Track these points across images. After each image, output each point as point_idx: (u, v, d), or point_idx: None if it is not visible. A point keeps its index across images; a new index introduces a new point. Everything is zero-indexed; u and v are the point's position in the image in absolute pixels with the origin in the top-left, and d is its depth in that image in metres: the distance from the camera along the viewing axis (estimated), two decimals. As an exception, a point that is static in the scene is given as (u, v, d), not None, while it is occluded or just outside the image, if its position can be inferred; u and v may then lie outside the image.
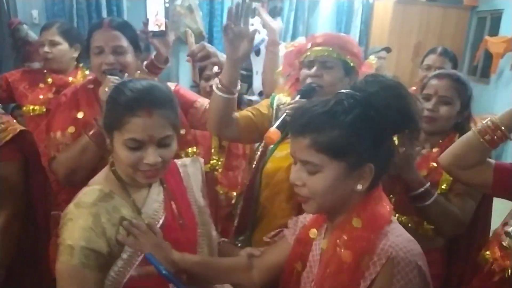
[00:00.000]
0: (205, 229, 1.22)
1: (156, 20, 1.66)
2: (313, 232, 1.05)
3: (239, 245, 1.55)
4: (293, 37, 5.07)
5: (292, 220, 1.18)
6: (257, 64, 2.48)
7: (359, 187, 0.92)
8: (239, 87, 1.45)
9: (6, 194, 1.41)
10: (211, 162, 2.16)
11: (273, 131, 1.32)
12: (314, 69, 1.42)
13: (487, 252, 1.33)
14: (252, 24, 3.53)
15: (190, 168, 1.27)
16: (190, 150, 1.72)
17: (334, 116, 0.90)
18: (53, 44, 2.22)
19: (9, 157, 1.42)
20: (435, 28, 5.48)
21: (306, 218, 1.14)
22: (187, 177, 1.25)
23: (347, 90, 0.96)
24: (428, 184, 1.38)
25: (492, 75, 5.21)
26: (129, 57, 1.54)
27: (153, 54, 1.83)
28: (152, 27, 1.67)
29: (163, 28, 1.68)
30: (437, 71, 1.76)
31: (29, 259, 1.56)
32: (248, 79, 2.55)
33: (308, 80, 1.43)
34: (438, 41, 5.28)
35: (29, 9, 3.83)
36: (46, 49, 2.21)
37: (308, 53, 1.45)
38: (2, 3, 3.69)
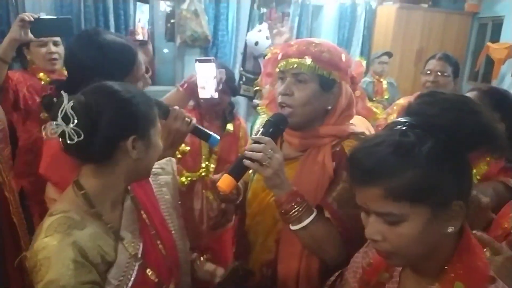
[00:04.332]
0: (182, 244, 1.17)
1: (141, 29, 1.70)
2: (384, 276, 0.90)
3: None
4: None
5: (354, 257, 1.03)
6: (266, 69, 2.49)
7: (450, 229, 0.77)
8: None
9: None
10: (201, 170, 2.13)
11: (225, 179, 1.11)
12: (283, 86, 1.23)
13: None
14: (260, 31, 3.58)
15: (163, 176, 1.22)
16: (181, 149, 1.71)
17: (406, 153, 0.74)
18: (56, 44, 2.25)
19: None
20: (437, 34, 5.53)
21: (369, 253, 0.98)
22: (159, 188, 1.19)
23: (404, 118, 0.81)
24: None
25: (494, 80, 5.26)
26: None
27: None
28: (138, 35, 1.70)
29: (145, 37, 1.72)
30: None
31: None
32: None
33: (279, 100, 1.25)
34: (440, 46, 5.33)
35: (37, 11, 3.85)
36: (53, 49, 2.22)
37: (280, 64, 1.25)
38: (11, 4, 3.74)
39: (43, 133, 0.91)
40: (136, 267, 1.01)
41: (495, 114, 1.48)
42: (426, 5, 5.54)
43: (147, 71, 1.83)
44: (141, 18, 1.71)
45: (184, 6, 4.35)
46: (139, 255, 1.03)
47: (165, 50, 5.01)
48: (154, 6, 4.97)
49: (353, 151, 0.83)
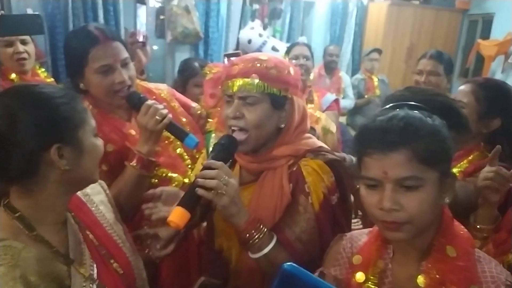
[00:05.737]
0: (134, 260, 1.09)
1: (140, 31, 1.70)
2: (380, 264, 0.91)
3: None
4: (289, 38, 5.09)
5: (335, 254, 1.01)
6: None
7: (447, 200, 0.85)
8: None
9: None
10: None
11: (176, 212, 1.00)
12: (232, 108, 1.13)
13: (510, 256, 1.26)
14: (253, 28, 3.55)
15: (95, 196, 1.11)
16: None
17: (420, 123, 0.82)
18: (25, 43, 2.08)
19: None
20: (428, 30, 5.56)
21: (350, 247, 0.99)
22: (95, 206, 1.09)
23: (396, 104, 0.89)
24: None
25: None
26: (133, 67, 1.41)
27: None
28: (140, 36, 1.71)
29: (144, 38, 1.72)
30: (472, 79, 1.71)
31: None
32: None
33: (229, 123, 1.16)
34: (430, 43, 5.36)
35: (23, 7, 3.76)
36: (21, 48, 2.05)
37: (225, 86, 1.16)
38: (-4, 0, 3.64)
39: None
40: None
41: (491, 108, 1.46)
42: (417, 2, 5.57)
43: (141, 73, 1.81)
44: (137, 21, 1.73)
45: (175, 2, 4.29)
46: (95, 276, 0.94)
47: (155, 47, 4.93)
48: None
49: (365, 126, 0.87)
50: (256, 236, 1.06)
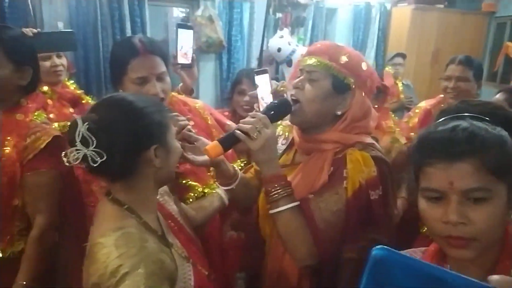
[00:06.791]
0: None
1: (183, 54, 1.72)
2: None
3: (238, 281, 1.46)
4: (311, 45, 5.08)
5: None
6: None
7: None
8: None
9: (42, 202, 1.43)
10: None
11: (213, 145, 1.14)
12: (297, 80, 1.24)
13: None
14: (282, 36, 3.55)
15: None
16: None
17: (488, 131, 0.77)
18: (59, 56, 2.19)
19: (46, 165, 1.42)
20: (454, 34, 5.45)
21: None
22: (161, 197, 1.18)
23: (457, 114, 0.84)
24: None
25: (513, 81, 5.16)
26: (169, 81, 1.48)
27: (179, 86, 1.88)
28: (180, 59, 1.72)
29: (189, 60, 1.74)
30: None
31: (59, 273, 1.57)
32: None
33: (290, 92, 1.26)
34: (456, 47, 5.25)
35: (55, 21, 3.91)
36: (57, 61, 2.16)
37: (300, 62, 1.30)
38: (29, 16, 3.79)
39: (65, 160, 0.91)
40: (191, 268, 1.05)
41: None
42: (441, 6, 5.48)
43: (190, 93, 1.86)
44: (184, 45, 1.74)
45: (199, 12, 4.37)
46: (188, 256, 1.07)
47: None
48: (167, 13, 4.98)
49: (425, 135, 0.82)
50: (278, 190, 1.13)
